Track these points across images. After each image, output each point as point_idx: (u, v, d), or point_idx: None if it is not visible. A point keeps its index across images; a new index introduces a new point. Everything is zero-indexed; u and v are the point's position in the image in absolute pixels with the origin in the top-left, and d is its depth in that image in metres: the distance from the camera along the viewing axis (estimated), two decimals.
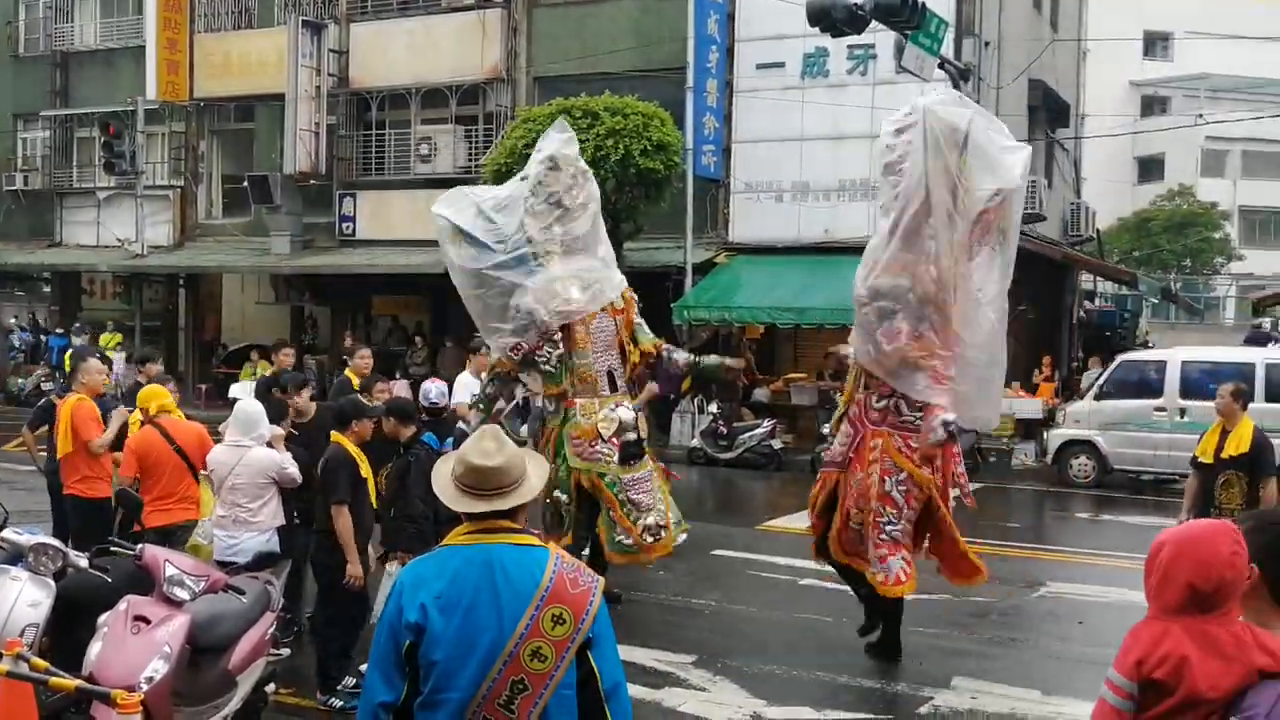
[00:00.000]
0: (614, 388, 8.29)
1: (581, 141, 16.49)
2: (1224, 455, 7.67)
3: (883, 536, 7.11)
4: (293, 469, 6.86)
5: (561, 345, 8.13)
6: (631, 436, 8.25)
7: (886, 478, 7.10)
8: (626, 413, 8.26)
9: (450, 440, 8.15)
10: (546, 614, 2.91)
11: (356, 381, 9.34)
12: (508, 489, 3.04)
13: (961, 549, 7.35)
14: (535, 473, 3.14)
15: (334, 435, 6.73)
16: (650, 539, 8.02)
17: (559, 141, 8.37)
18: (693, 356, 9.07)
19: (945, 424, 6.92)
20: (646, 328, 8.73)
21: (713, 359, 9.36)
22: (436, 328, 22.02)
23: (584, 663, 2.97)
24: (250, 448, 6.76)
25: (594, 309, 8.19)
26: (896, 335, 7.05)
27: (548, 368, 8.16)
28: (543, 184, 8.18)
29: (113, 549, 5.52)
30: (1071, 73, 25.80)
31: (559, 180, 8.21)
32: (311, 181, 22.50)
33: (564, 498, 8.07)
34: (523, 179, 8.41)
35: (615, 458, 8.09)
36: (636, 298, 8.72)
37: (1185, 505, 8.07)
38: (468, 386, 10.03)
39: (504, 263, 8.09)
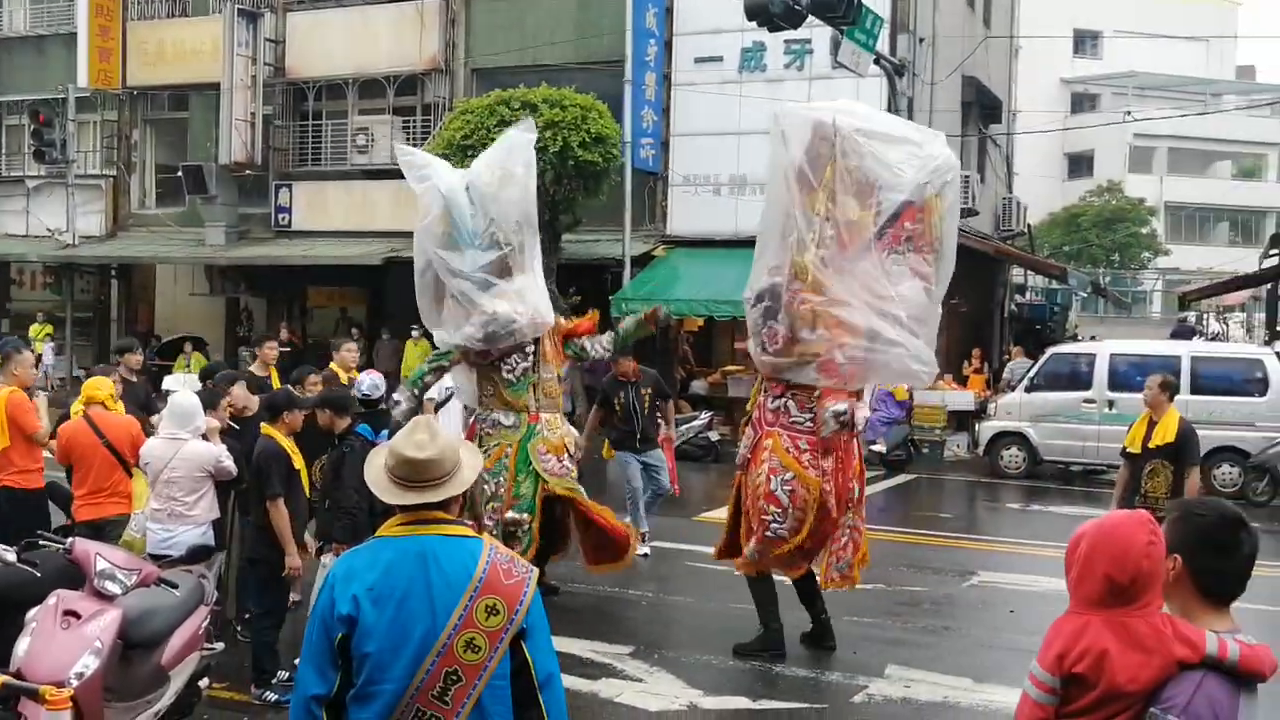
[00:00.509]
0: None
1: None
2: (1151, 445, 7.82)
3: (767, 534, 7.17)
4: (228, 462, 6.80)
5: (531, 358, 8.07)
6: (579, 454, 8.37)
7: (773, 476, 7.14)
8: (573, 429, 8.42)
9: (385, 432, 8.10)
10: (480, 605, 2.93)
11: (344, 376, 9.22)
12: (440, 480, 3.04)
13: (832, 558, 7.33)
14: (469, 463, 3.15)
15: (264, 428, 6.69)
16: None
17: (524, 144, 8.19)
18: (613, 335, 8.74)
19: (836, 414, 6.90)
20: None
21: (629, 321, 8.79)
22: (373, 319, 21.87)
23: (518, 653, 2.99)
24: (187, 440, 6.68)
25: (551, 323, 8.19)
26: (775, 337, 7.15)
27: (510, 377, 8.00)
28: (511, 192, 8.01)
29: (42, 542, 5.44)
30: (1004, 69, 26.23)
31: (528, 191, 8.10)
32: (247, 172, 22.17)
33: (525, 517, 7.83)
34: (468, 188, 8.10)
35: (575, 472, 8.16)
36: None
37: (1115, 495, 8.24)
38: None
39: (484, 265, 7.87)
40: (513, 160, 8.08)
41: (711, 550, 7.79)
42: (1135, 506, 7.57)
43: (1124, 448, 8.15)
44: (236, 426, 7.43)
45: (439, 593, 2.92)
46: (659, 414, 10.38)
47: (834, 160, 7.00)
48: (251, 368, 9.93)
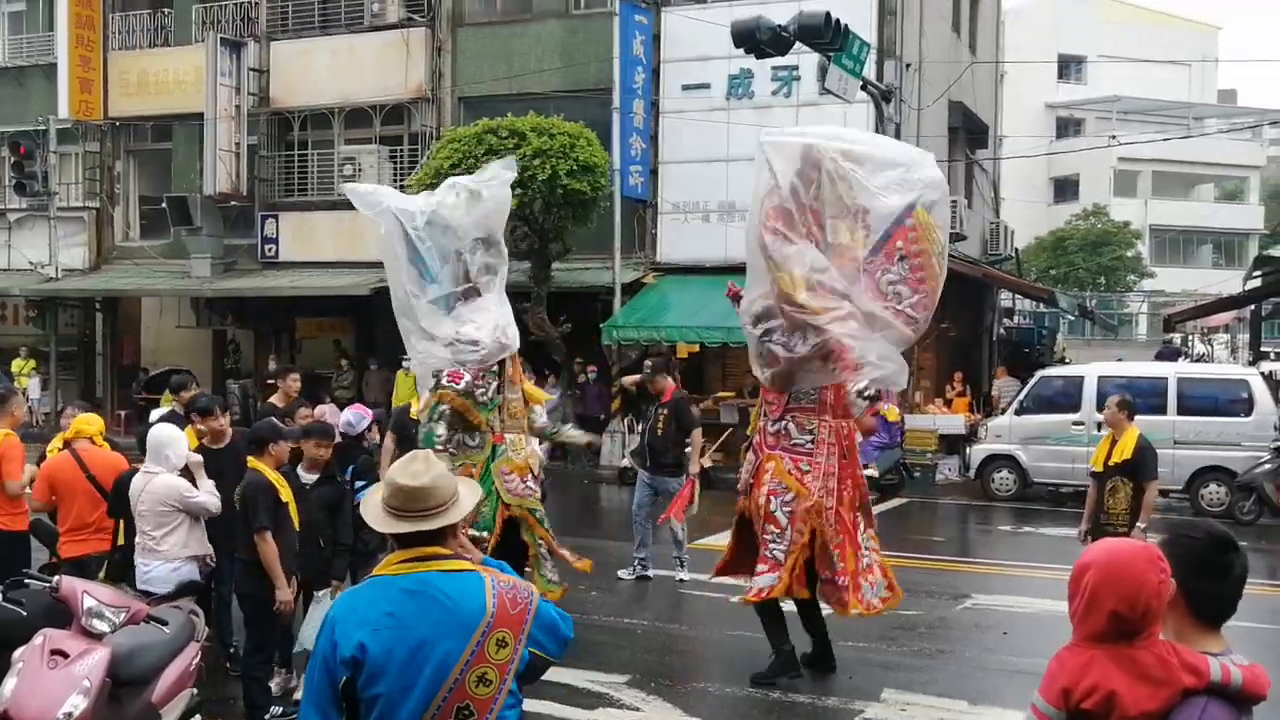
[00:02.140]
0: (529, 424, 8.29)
1: None
2: (1111, 463, 7.98)
3: (765, 553, 7.21)
4: (200, 497, 6.54)
5: (498, 378, 8.01)
6: (543, 475, 8.31)
7: (773, 498, 7.23)
8: (540, 449, 8.33)
9: (352, 468, 8.01)
10: (491, 640, 2.89)
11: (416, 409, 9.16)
12: (434, 510, 2.99)
13: (852, 580, 7.27)
14: (466, 495, 3.11)
15: (251, 461, 6.53)
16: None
17: (503, 182, 8.16)
18: (550, 428, 8.91)
19: (860, 393, 7.12)
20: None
21: (571, 433, 9.13)
22: (361, 350, 21.78)
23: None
24: (156, 474, 6.51)
25: (515, 347, 8.13)
26: (775, 359, 7.27)
27: (484, 399, 7.89)
28: (475, 213, 7.98)
29: (28, 581, 5.35)
30: (989, 95, 26.40)
31: (495, 221, 8.05)
32: (232, 202, 22.13)
33: (485, 535, 7.71)
34: (430, 215, 8.10)
35: (539, 494, 8.09)
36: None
37: (1085, 514, 8.37)
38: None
39: (446, 294, 7.82)
40: (481, 183, 8.05)
41: (707, 577, 7.73)
42: (1099, 524, 7.82)
43: (1090, 468, 8.35)
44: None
45: (448, 629, 2.88)
46: (681, 442, 10.35)
47: (819, 184, 7.13)
48: (272, 399, 9.79)
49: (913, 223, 7.18)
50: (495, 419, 7.93)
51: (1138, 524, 7.65)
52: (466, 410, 7.73)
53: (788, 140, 7.43)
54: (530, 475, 7.95)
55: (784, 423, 7.34)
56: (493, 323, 7.84)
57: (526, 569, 7.99)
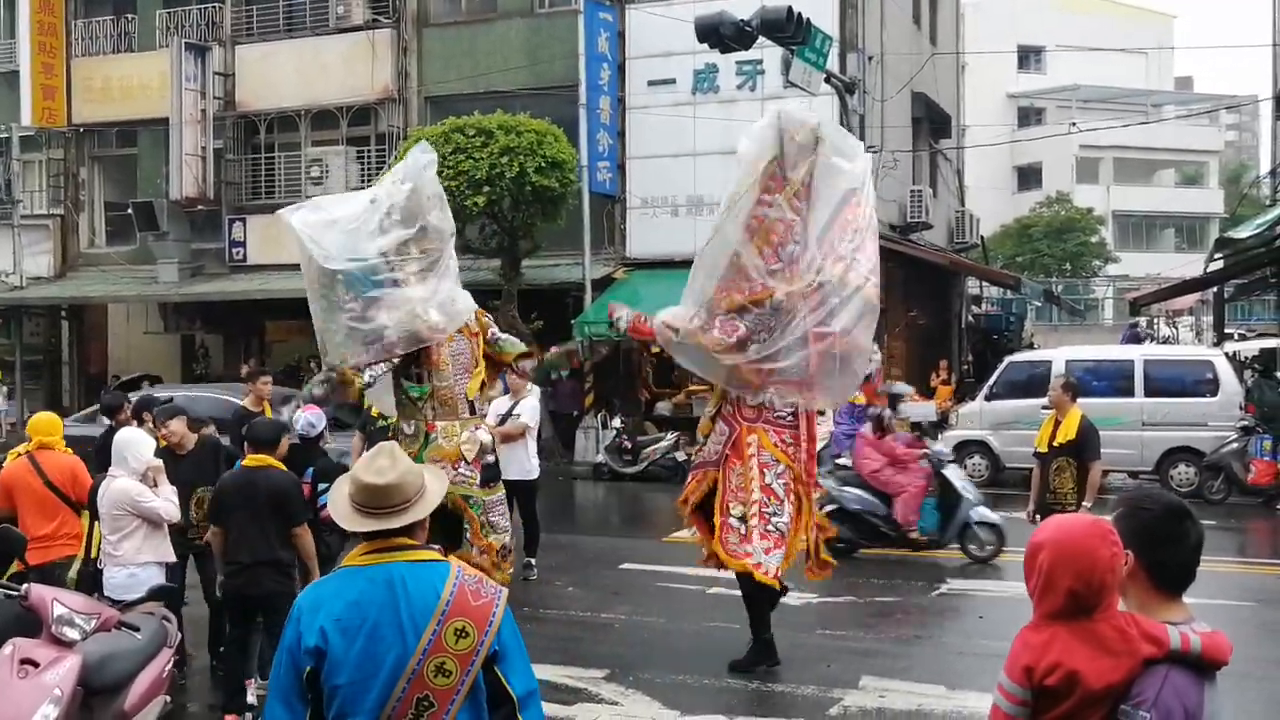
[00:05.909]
0: (472, 410, 8.25)
1: (475, 160, 16.60)
2: (1055, 444, 8.12)
3: (769, 528, 7.23)
4: (154, 502, 6.46)
5: (390, 367, 7.97)
6: (490, 459, 8.24)
7: (765, 470, 7.27)
8: (485, 435, 8.26)
9: (311, 470, 7.97)
10: (449, 628, 2.91)
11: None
12: (399, 507, 3.01)
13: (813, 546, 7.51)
14: (433, 488, 3.12)
15: (264, 459, 6.52)
16: (501, 559, 8.02)
17: (420, 165, 8.17)
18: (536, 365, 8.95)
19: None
20: (511, 339, 8.70)
21: (552, 353, 9.14)
22: None
23: (493, 678, 2.97)
24: (117, 478, 6.48)
25: (451, 331, 8.10)
26: (733, 330, 7.28)
27: (371, 379, 7.94)
28: (396, 206, 7.96)
29: None
30: (951, 86, 26.59)
31: (415, 202, 8.02)
32: (199, 207, 21.96)
33: None
34: (373, 201, 8.11)
35: (477, 480, 8.07)
36: (490, 318, 8.63)
37: (1032, 495, 8.55)
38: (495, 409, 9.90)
39: (358, 276, 7.81)
40: (411, 174, 8.01)
41: (683, 570, 7.66)
42: (1047, 503, 7.96)
43: (1035, 448, 8.45)
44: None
45: (407, 619, 2.89)
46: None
47: (813, 159, 7.22)
48: (244, 403, 9.72)
49: (855, 200, 7.34)
50: (427, 407, 7.96)
51: (1084, 503, 7.77)
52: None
53: (802, 114, 7.52)
54: (463, 462, 7.94)
55: (766, 395, 7.36)
56: (413, 315, 7.77)
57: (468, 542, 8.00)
